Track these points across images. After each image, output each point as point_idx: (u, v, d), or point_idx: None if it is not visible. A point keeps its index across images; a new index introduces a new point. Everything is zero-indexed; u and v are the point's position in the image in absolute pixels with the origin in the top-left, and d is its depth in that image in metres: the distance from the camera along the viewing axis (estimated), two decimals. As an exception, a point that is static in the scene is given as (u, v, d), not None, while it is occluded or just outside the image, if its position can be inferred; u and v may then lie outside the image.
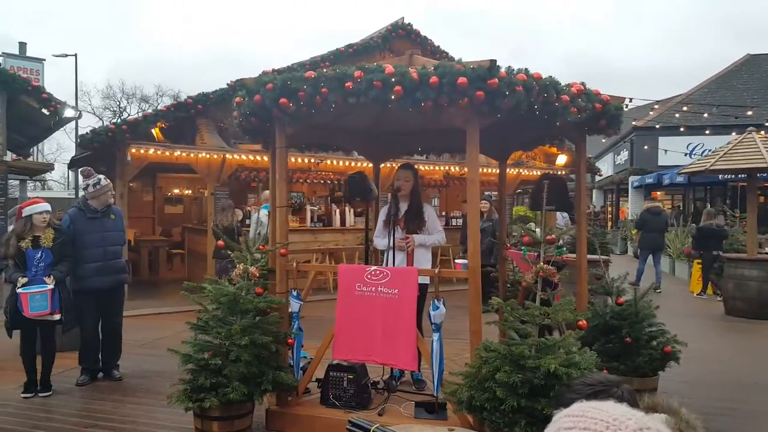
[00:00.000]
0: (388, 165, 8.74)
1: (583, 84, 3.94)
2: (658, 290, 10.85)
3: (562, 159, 13.22)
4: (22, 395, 4.83)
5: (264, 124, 4.20)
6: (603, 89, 4.11)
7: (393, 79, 3.45)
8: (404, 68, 3.53)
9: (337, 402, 4.06)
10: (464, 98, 3.36)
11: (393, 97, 3.45)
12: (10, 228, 5.34)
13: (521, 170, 12.97)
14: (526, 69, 3.54)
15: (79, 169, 5.49)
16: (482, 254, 4.20)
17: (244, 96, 4.10)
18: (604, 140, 22.33)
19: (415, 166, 5.08)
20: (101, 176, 5.31)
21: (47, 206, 4.98)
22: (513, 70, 3.49)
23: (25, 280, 4.70)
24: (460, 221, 12.21)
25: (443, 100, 3.41)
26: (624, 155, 24.67)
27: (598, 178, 24.72)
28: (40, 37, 53.27)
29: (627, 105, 4.38)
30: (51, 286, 4.73)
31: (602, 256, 6.44)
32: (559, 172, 12.77)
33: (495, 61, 3.35)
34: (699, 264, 11.10)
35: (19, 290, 4.67)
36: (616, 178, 24.86)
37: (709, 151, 19.06)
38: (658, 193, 23.47)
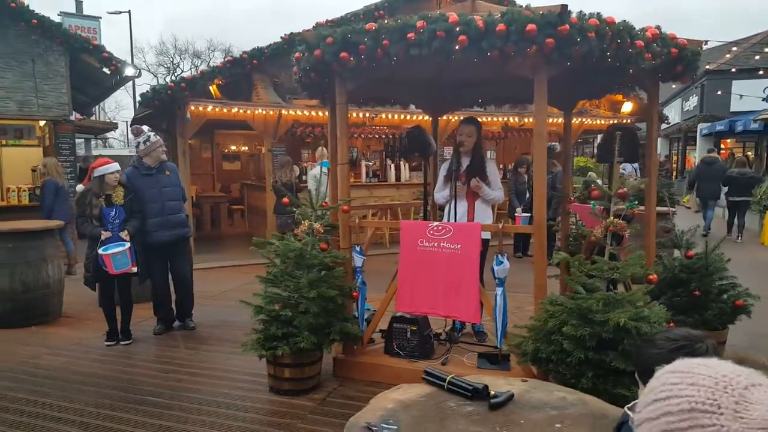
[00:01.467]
0: (445, 118, 8.62)
1: (658, 28, 3.72)
2: (705, 235, 10.88)
3: (627, 107, 12.60)
4: (106, 343, 5.17)
5: (323, 79, 4.17)
6: (674, 30, 3.87)
7: (457, 29, 3.35)
8: (468, 16, 3.41)
9: (401, 352, 4.16)
10: (533, 46, 3.24)
11: (457, 47, 3.36)
12: (78, 187, 5.57)
13: (584, 119, 12.47)
14: (598, 13, 3.36)
15: (130, 128, 5.67)
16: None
17: (303, 51, 4.06)
18: (674, 86, 21.15)
19: (475, 118, 4.97)
20: (151, 133, 5.45)
21: (117, 166, 5.18)
22: (585, 15, 3.32)
23: (108, 234, 4.94)
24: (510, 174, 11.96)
25: (510, 49, 3.29)
26: (693, 101, 23.29)
27: (664, 125, 23.55)
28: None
29: (702, 48, 4.10)
30: (128, 244, 4.97)
31: (670, 208, 6.21)
32: (625, 121, 12.23)
33: (566, 6, 3.19)
34: None
35: (100, 251, 4.91)
36: (684, 125, 23.61)
37: (789, 95, 17.79)
38: (729, 141, 22.23)
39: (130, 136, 5.49)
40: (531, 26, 3.17)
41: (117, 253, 4.92)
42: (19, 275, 5.75)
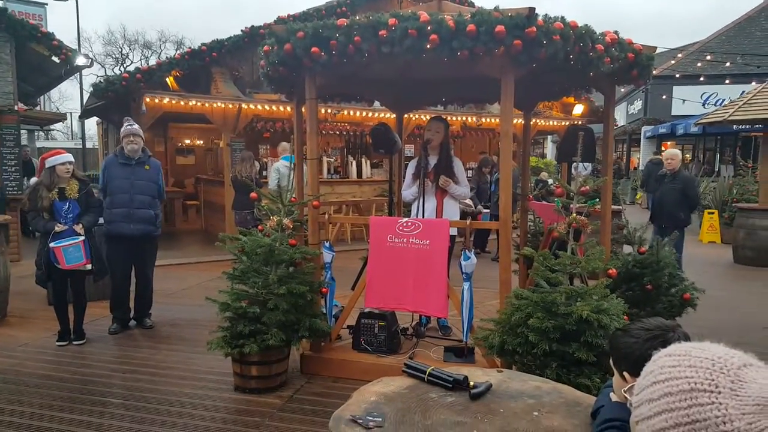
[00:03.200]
0: (407, 116, 8.68)
1: (616, 33, 3.88)
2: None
3: (579, 109, 13.05)
4: (57, 344, 4.95)
5: (291, 73, 4.15)
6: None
7: (429, 28, 3.41)
8: (440, 16, 3.47)
9: (369, 347, 4.20)
10: (501, 47, 3.33)
11: (428, 46, 3.42)
12: (32, 180, 5.35)
13: (537, 120, 12.82)
14: (562, 17, 3.48)
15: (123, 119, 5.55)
16: (497, 206, 4.25)
17: (272, 44, 4.02)
18: (623, 89, 21.90)
19: (444, 117, 5.05)
20: (129, 123, 5.34)
21: (70, 157, 4.97)
22: (550, 18, 3.43)
23: (63, 227, 4.74)
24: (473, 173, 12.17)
25: (479, 49, 3.37)
26: (638, 105, 24.30)
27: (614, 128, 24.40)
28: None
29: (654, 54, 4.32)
30: (82, 237, 4.78)
31: (621, 206, 6.48)
32: (576, 122, 12.63)
33: (534, 8, 3.30)
34: (710, 213, 11.37)
35: (51, 244, 4.70)
36: (629, 128, 24.58)
37: (724, 101, 18.77)
38: (669, 143, 23.26)
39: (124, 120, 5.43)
40: (500, 28, 3.26)
41: (69, 246, 4.71)
42: None
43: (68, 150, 5.50)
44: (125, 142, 5.27)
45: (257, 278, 3.83)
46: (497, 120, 10.61)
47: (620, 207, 5.61)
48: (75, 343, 5.00)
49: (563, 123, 12.88)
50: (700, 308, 4.76)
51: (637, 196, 16.38)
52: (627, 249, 5.08)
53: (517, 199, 7.11)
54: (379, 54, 3.60)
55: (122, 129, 5.29)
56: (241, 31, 10.16)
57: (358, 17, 3.71)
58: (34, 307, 6.05)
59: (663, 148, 23.74)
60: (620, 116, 27.10)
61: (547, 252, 3.45)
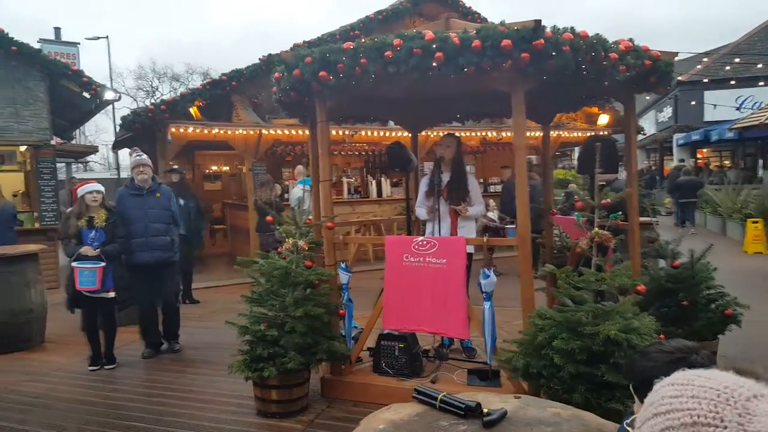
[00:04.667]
0: (425, 133, 8.64)
1: (631, 40, 3.78)
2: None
3: (604, 119, 12.80)
4: (89, 368, 5.08)
5: (303, 98, 4.19)
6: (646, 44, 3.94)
7: (434, 45, 3.38)
8: (444, 33, 3.45)
9: (390, 370, 4.11)
10: (508, 61, 3.28)
11: (434, 63, 3.39)
12: (69, 209, 5.57)
13: (561, 132, 12.63)
14: (572, 27, 3.41)
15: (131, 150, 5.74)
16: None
17: (282, 71, 4.07)
18: (648, 97, 21.51)
19: (455, 134, 4.99)
20: (137, 153, 5.46)
21: (97, 186, 5.13)
22: (558, 29, 3.36)
23: (90, 250, 4.87)
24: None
25: (486, 64, 3.32)
26: (668, 112, 23.70)
27: (640, 137, 23.96)
28: (73, 20, 53.97)
29: (674, 60, 4.18)
30: (102, 264, 4.87)
31: (652, 218, 6.26)
32: (602, 133, 12.41)
33: (540, 21, 3.24)
34: (755, 223, 10.96)
35: (72, 263, 4.88)
36: (659, 136, 23.99)
37: (761, 103, 18.17)
38: (705, 150, 22.63)
39: (132, 151, 5.61)
40: (506, 41, 3.21)
41: (85, 269, 4.84)
42: (0, 302, 5.62)
43: (104, 180, 5.68)
44: (135, 173, 5.39)
45: (275, 301, 3.82)
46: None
47: (651, 219, 5.40)
48: (106, 367, 5.12)
49: (588, 134, 12.64)
50: (746, 325, 4.49)
51: (665, 201, 16.28)
52: (662, 263, 4.88)
53: (540, 214, 6.98)
54: (386, 74, 3.59)
55: (131, 160, 5.44)
56: (259, 59, 10.33)
57: (363, 40, 3.71)
58: (71, 332, 6.15)
59: (698, 156, 23.14)
60: (649, 124, 26.55)
61: (569, 269, 3.33)
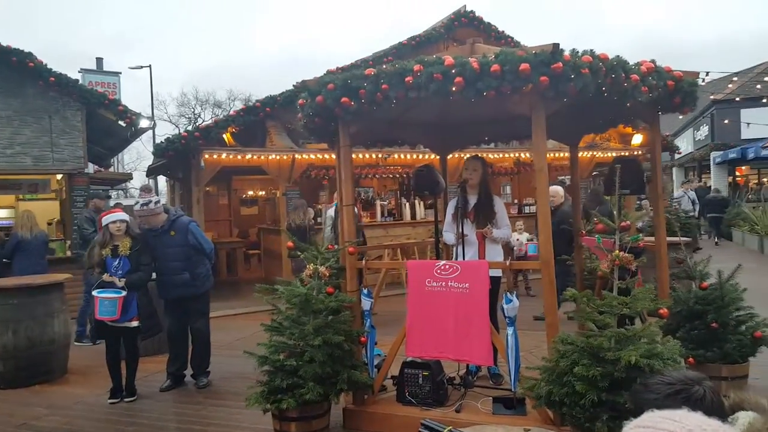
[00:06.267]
0: (455, 156, 8.63)
1: (653, 61, 3.75)
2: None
3: (638, 139, 12.64)
4: (109, 401, 5.00)
5: (328, 123, 4.25)
6: (675, 65, 3.90)
7: (453, 71, 3.40)
8: (464, 58, 3.47)
9: (414, 399, 4.04)
10: (528, 85, 3.27)
11: (454, 88, 3.40)
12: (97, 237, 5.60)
13: (595, 152, 12.48)
14: (591, 50, 3.39)
15: (141, 185, 5.72)
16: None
17: (306, 97, 4.15)
18: (681, 117, 21.21)
19: (484, 155, 4.99)
20: (152, 198, 5.42)
21: (122, 215, 5.11)
22: (578, 52, 3.35)
23: (111, 278, 4.88)
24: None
25: (506, 88, 3.33)
26: (704, 131, 23.33)
27: (677, 155, 23.58)
28: (117, 51, 56.23)
29: (703, 79, 4.13)
30: (123, 294, 4.85)
31: (684, 239, 6.08)
32: (636, 153, 12.21)
33: (558, 44, 3.24)
34: None
35: (93, 292, 4.86)
36: (697, 154, 23.58)
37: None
38: (743, 168, 22.14)
39: (139, 190, 5.49)
40: (524, 65, 3.21)
41: (106, 299, 4.80)
42: (24, 331, 5.60)
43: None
44: (149, 220, 5.31)
45: (294, 329, 3.81)
46: (550, 154, 10.40)
47: (681, 239, 5.26)
48: (126, 400, 5.00)
49: (623, 153, 12.47)
50: (778, 346, 4.36)
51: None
52: (691, 285, 4.75)
53: (571, 236, 6.87)
54: (407, 99, 3.63)
55: (146, 205, 5.28)
56: (293, 85, 10.54)
57: (384, 66, 3.76)
58: (95, 363, 6.10)
59: (737, 173, 22.59)
60: (687, 143, 26.08)
61: (589, 293, 3.27)
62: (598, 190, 9.91)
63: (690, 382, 1.41)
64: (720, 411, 1.32)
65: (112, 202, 21.57)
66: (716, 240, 15.56)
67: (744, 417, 1.40)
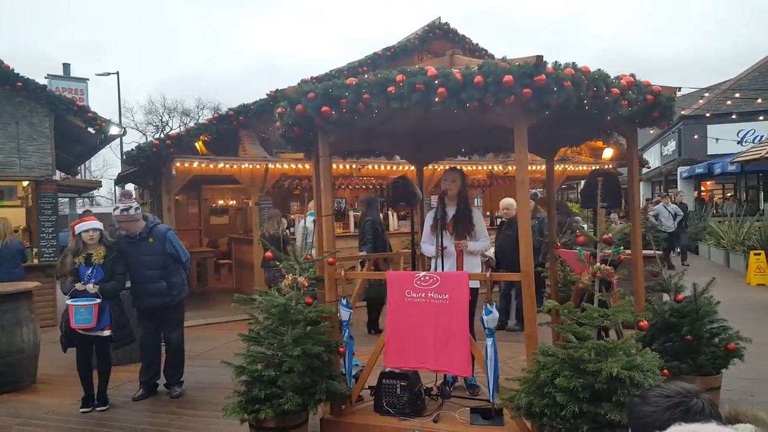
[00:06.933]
0: (431, 167, 8.66)
1: (632, 76, 3.81)
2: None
3: (608, 153, 12.89)
4: (80, 410, 4.92)
5: (307, 133, 4.21)
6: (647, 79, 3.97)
7: (436, 81, 3.40)
8: (447, 69, 3.47)
9: (391, 409, 4.01)
10: (511, 97, 3.29)
11: (437, 99, 3.40)
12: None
13: (567, 166, 12.67)
14: (573, 63, 3.43)
15: (120, 189, 5.58)
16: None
17: (285, 106, 4.11)
18: (652, 131, 21.76)
19: (459, 168, 5.00)
20: (132, 204, 5.31)
21: (95, 224, 5.02)
22: (560, 65, 3.38)
23: (85, 287, 4.79)
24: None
25: (489, 99, 3.33)
26: (671, 146, 23.96)
27: (645, 170, 24.15)
28: (85, 57, 55.28)
29: (676, 94, 4.21)
30: (97, 301, 4.78)
31: (656, 251, 6.19)
32: (606, 167, 12.43)
33: (541, 57, 3.26)
34: (757, 255, 11.07)
35: (68, 301, 4.79)
36: (664, 169, 24.16)
37: (762, 137, 18.33)
38: (708, 183, 22.76)
39: (119, 195, 5.37)
40: (508, 77, 3.22)
41: (81, 306, 4.74)
42: None
43: (110, 214, 5.53)
44: (128, 225, 5.23)
45: (273, 339, 3.74)
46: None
47: (655, 252, 5.35)
48: (98, 409, 4.95)
49: (593, 167, 12.68)
50: (749, 358, 4.45)
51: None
52: (665, 297, 4.83)
53: (540, 247, 6.94)
54: (389, 110, 3.61)
55: (126, 212, 5.18)
56: (267, 94, 10.45)
57: (367, 75, 3.75)
58: (66, 372, 6.01)
59: (702, 188, 23.22)
60: (654, 157, 26.73)
61: (570, 304, 3.28)
62: (563, 203, 10.18)
63: (688, 394, 1.41)
64: (719, 423, 1.32)
65: (78, 210, 21.10)
66: (673, 253, 15.16)
67: (744, 429, 1.41)
